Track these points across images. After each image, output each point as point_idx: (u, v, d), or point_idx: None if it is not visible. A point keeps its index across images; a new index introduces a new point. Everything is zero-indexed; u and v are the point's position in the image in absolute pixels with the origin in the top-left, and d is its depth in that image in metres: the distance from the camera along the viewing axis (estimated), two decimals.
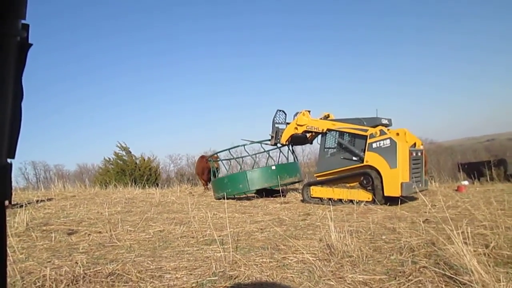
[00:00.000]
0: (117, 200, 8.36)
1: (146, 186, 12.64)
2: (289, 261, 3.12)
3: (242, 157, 10.60)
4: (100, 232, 4.68)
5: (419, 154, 6.66)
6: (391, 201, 6.20)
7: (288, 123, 8.18)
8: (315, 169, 7.97)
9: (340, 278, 2.68)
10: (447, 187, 8.80)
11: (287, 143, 8.19)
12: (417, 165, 6.59)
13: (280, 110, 8.33)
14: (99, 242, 4.18)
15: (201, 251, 3.61)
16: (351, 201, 6.56)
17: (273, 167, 8.29)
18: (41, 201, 8.21)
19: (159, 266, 3.13)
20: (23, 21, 0.56)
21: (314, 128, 7.51)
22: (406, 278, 2.58)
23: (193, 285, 2.65)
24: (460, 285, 2.38)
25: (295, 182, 9.03)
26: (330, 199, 6.88)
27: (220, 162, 10.60)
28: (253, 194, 8.64)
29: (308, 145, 8.72)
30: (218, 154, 10.15)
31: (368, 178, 6.49)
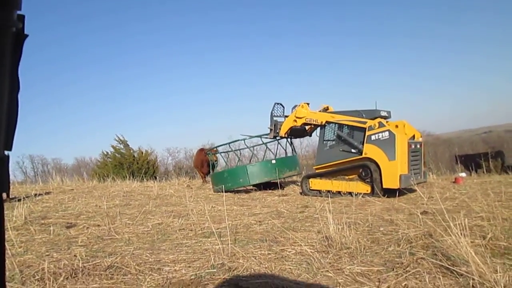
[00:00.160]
0: (115, 193, 8.36)
1: (144, 179, 12.64)
2: (288, 253, 3.13)
3: (240, 150, 10.60)
4: (98, 225, 4.68)
5: (418, 146, 6.66)
6: (389, 193, 6.23)
7: (286, 116, 8.16)
8: (314, 162, 7.98)
9: (338, 269, 2.70)
10: (445, 179, 8.84)
11: (286, 135, 8.17)
12: (416, 157, 6.60)
13: (277, 103, 8.30)
14: (98, 235, 4.18)
15: (199, 244, 3.61)
16: (350, 193, 6.58)
17: (273, 161, 8.29)
18: (39, 194, 8.19)
19: (158, 259, 3.13)
20: (18, 12, 0.55)
21: (313, 121, 7.49)
22: (404, 269, 2.60)
23: (192, 277, 2.66)
24: (457, 276, 2.39)
25: (294, 175, 9.05)
26: (329, 191, 6.90)
27: (218, 155, 10.59)
28: (251, 187, 8.66)
29: (305, 137, 8.72)
30: (218, 148, 10.14)
31: (367, 170, 6.51)
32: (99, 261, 3.06)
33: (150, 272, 2.80)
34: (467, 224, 3.05)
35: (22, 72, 0.58)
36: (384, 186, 6.25)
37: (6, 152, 0.57)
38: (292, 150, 9.14)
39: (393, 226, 3.96)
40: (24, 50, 0.58)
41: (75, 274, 2.76)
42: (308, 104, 7.74)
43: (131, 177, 12.86)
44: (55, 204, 6.71)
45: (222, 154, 10.39)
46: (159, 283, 2.58)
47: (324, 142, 7.35)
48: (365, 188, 6.52)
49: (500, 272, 2.27)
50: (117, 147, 19.01)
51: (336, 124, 7.17)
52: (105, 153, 19.24)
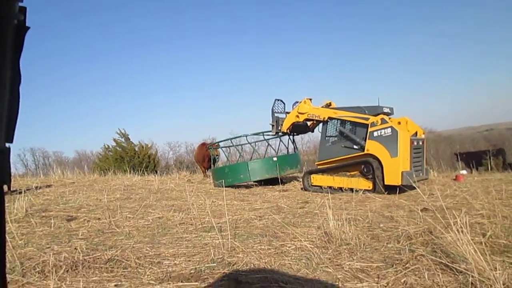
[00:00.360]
0: (116, 187, 8.37)
1: (145, 173, 12.66)
2: (287, 248, 3.14)
3: (241, 145, 10.59)
4: (99, 219, 4.70)
5: (420, 143, 6.64)
6: (390, 189, 6.22)
7: (287, 113, 8.13)
8: (315, 157, 7.97)
9: (338, 265, 2.70)
10: (446, 176, 8.83)
11: (288, 131, 8.16)
12: (418, 154, 6.57)
13: (278, 100, 8.27)
14: (98, 229, 4.20)
15: (199, 238, 3.63)
16: (351, 189, 6.58)
17: (275, 159, 8.28)
18: (40, 187, 8.22)
19: (158, 253, 3.14)
20: (20, 4, 0.55)
21: (316, 116, 7.47)
22: (403, 266, 2.60)
23: (192, 271, 2.67)
24: (456, 273, 2.40)
25: (295, 173, 9.05)
26: (330, 187, 6.90)
27: (219, 149, 10.60)
28: (252, 182, 8.67)
29: (307, 133, 8.71)
30: (219, 143, 10.15)
31: (368, 167, 6.49)
32: (99, 254, 3.07)
33: (150, 266, 2.81)
34: (467, 221, 3.04)
35: (24, 65, 0.58)
36: (386, 183, 6.24)
37: (7, 144, 0.56)
38: (294, 147, 9.12)
39: (393, 222, 3.96)
40: (26, 43, 0.57)
41: (75, 266, 2.77)
42: (310, 99, 7.71)
43: (132, 171, 12.90)
44: (56, 197, 6.73)
45: (224, 149, 10.40)
46: (159, 277, 2.59)
47: (326, 138, 7.33)
48: (366, 184, 6.52)
49: (499, 270, 2.27)
50: (118, 141, 19.04)
51: (339, 120, 7.15)
52: (106, 146, 19.28)
